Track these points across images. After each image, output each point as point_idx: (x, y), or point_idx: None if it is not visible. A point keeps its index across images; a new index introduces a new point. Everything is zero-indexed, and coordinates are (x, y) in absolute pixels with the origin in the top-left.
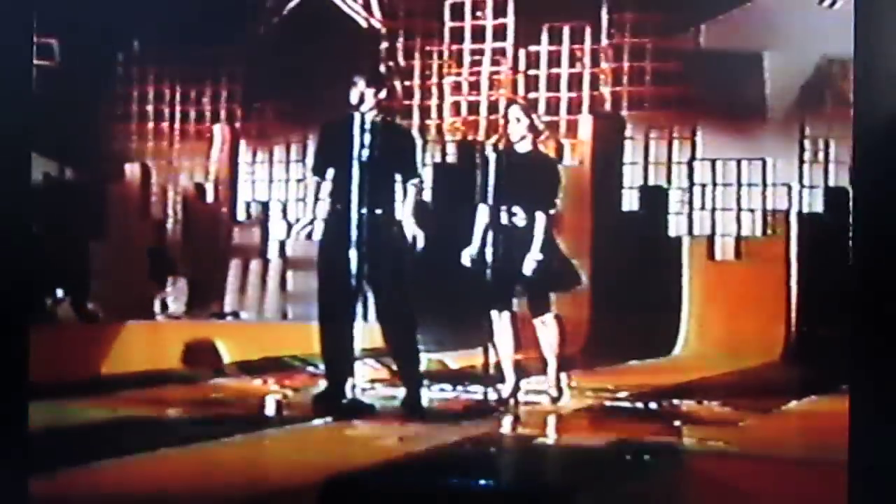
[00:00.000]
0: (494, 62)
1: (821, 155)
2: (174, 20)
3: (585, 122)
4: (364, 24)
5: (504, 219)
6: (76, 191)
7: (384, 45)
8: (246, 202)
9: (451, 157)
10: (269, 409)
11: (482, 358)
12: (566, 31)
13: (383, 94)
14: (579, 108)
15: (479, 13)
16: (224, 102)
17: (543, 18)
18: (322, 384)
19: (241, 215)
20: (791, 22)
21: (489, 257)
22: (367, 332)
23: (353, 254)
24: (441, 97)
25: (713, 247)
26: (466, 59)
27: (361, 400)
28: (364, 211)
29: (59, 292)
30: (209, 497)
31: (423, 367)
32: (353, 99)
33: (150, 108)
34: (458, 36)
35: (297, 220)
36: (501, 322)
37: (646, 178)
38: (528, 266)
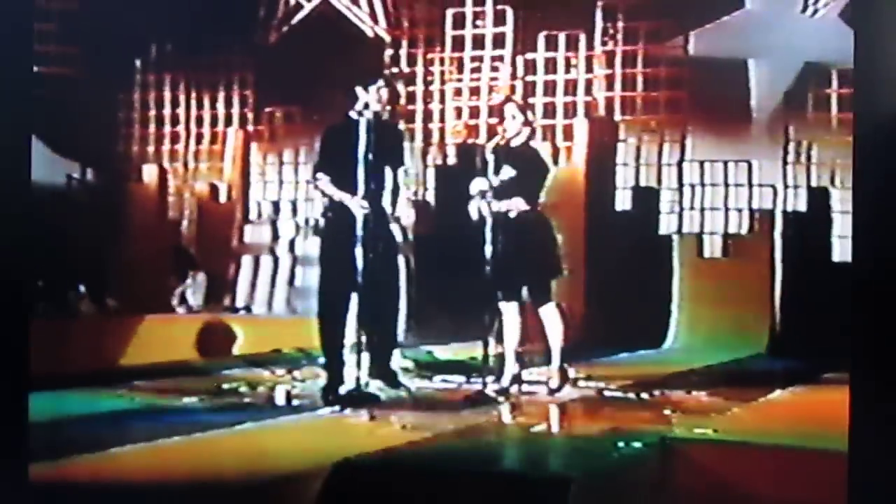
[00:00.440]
0: (494, 69)
1: (804, 157)
2: (189, 31)
3: (580, 126)
4: (370, 33)
5: (498, 208)
6: (97, 191)
7: (389, 52)
8: (257, 202)
9: (452, 159)
10: (279, 399)
11: (482, 349)
12: (562, 39)
13: (388, 99)
14: (574, 112)
15: (479, 22)
16: (237, 108)
17: (540, 27)
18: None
19: (252, 214)
20: (776, 30)
21: (488, 251)
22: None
23: (355, 251)
24: (443, 102)
25: (702, 244)
26: (467, 65)
27: (367, 391)
28: (365, 209)
29: (81, 288)
30: (213, 485)
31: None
32: (359, 104)
33: (166, 112)
34: (459, 44)
35: (307, 220)
36: (509, 312)
37: (637, 178)
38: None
